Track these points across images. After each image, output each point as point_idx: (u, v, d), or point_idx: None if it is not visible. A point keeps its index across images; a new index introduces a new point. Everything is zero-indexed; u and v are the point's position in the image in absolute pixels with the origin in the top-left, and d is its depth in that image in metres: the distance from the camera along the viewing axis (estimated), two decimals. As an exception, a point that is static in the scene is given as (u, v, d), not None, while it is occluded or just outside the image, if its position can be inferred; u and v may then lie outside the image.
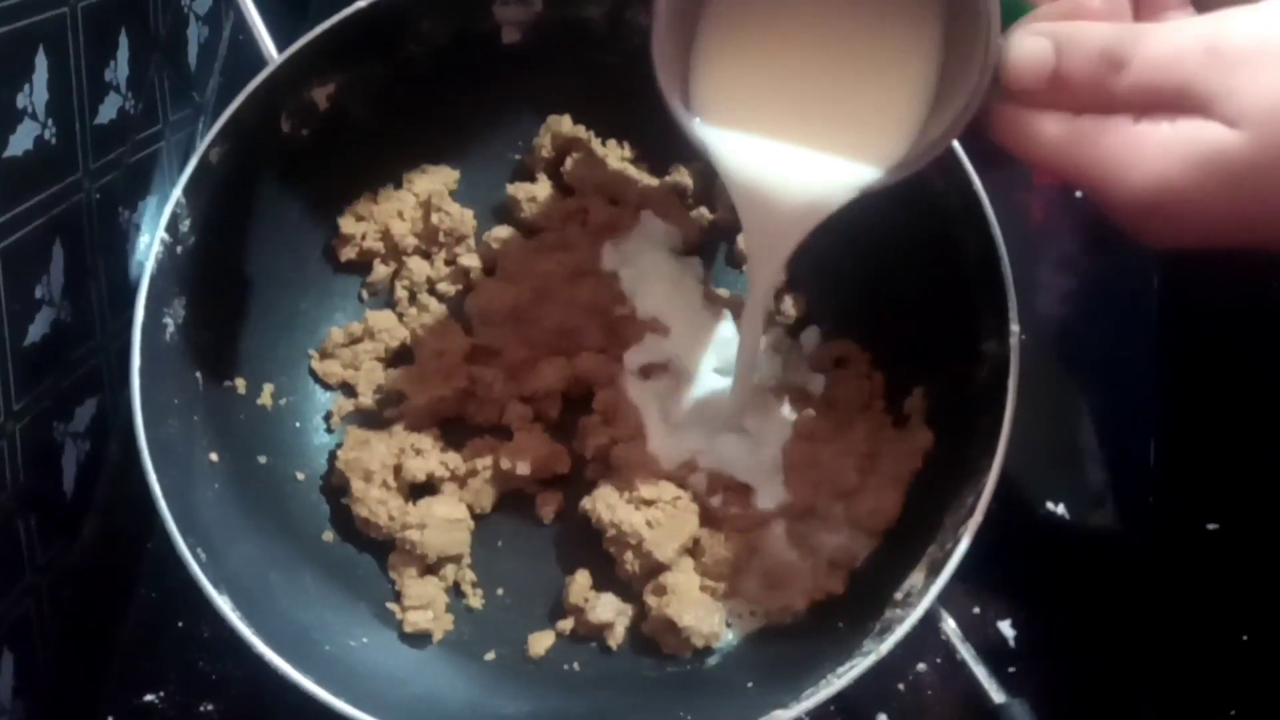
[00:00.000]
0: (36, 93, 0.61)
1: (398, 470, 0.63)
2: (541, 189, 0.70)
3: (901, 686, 0.63)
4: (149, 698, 0.64)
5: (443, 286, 0.69)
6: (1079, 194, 0.71)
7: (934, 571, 0.54)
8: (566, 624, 0.63)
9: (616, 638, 0.63)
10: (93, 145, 0.67)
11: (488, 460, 0.64)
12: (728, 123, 0.51)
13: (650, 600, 0.62)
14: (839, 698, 0.53)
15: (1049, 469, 0.66)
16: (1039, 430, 0.66)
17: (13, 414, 0.62)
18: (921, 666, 0.63)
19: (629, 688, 0.61)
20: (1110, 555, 0.65)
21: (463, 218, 0.69)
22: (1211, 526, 0.70)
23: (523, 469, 0.63)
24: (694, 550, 0.63)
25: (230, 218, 0.62)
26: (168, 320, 0.59)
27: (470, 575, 0.65)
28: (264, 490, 0.63)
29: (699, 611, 0.60)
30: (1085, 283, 0.70)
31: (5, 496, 0.63)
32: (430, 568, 0.64)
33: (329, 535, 0.65)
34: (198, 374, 0.61)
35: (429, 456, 0.64)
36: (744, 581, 0.63)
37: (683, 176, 0.71)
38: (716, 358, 0.67)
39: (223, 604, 0.54)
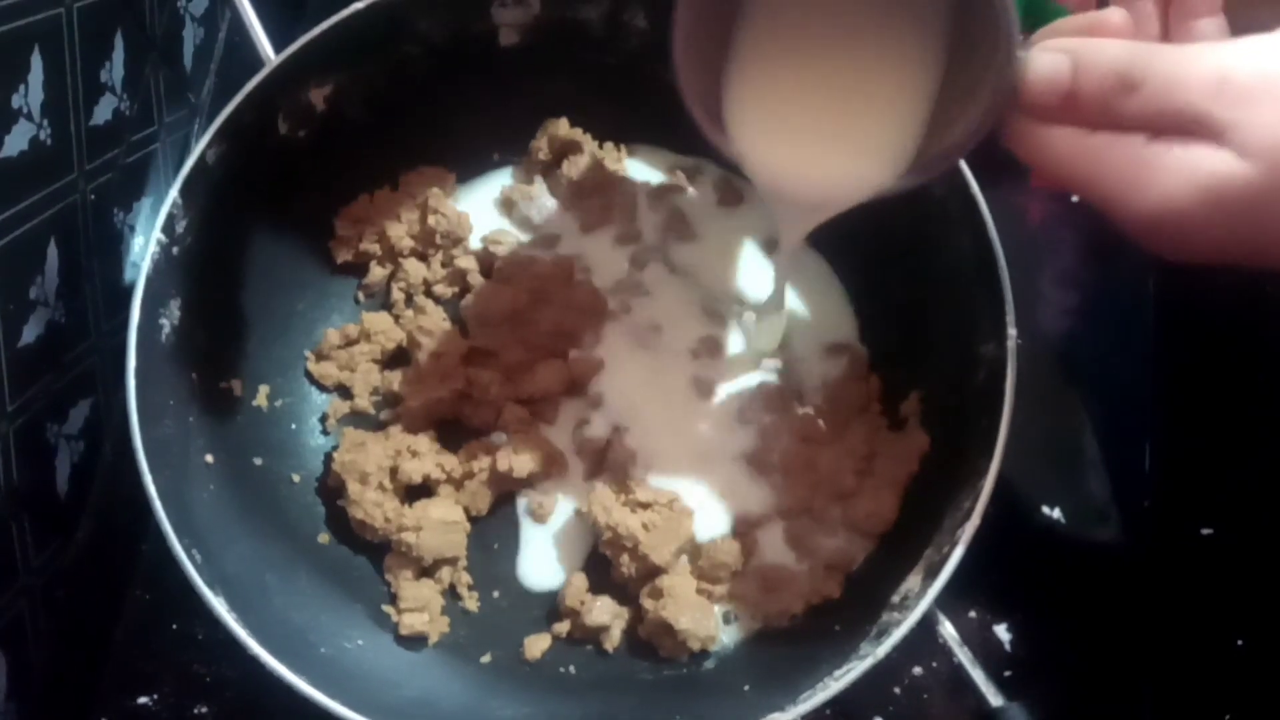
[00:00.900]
0: (31, 93, 0.61)
1: (394, 472, 0.63)
2: (539, 191, 0.70)
3: (898, 690, 0.63)
4: (143, 700, 0.64)
5: (439, 288, 0.69)
6: (1075, 199, 0.71)
7: (931, 575, 0.54)
8: (563, 627, 0.63)
9: (613, 640, 0.62)
10: (88, 146, 0.67)
11: (484, 462, 0.64)
12: (755, 132, 0.52)
13: (647, 603, 0.61)
14: (836, 701, 0.53)
15: (1046, 474, 0.66)
16: (1036, 435, 0.66)
17: (6, 415, 0.62)
18: (918, 670, 0.63)
19: (625, 691, 0.61)
20: (1106, 560, 0.65)
21: (459, 220, 0.69)
22: (1206, 531, 0.70)
23: (519, 471, 0.63)
24: (691, 553, 0.63)
25: (226, 219, 0.62)
26: (163, 321, 0.59)
27: (466, 578, 0.64)
28: (259, 492, 0.63)
29: (695, 614, 0.60)
30: (1082, 288, 0.70)
31: (-1, 497, 0.63)
32: (426, 570, 0.64)
33: (324, 537, 0.65)
34: (193, 375, 0.61)
35: (425, 459, 0.64)
36: (741, 584, 0.63)
37: (679, 179, 0.71)
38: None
39: (218, 605, 0.53)
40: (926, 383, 0.64)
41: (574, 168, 0.70)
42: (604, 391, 0.66)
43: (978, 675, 0.55)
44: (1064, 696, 0.62)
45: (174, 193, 0.59)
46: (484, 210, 0.71)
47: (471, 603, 0.64)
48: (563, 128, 0.70)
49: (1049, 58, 0.44)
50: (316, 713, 0.52)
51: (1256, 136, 0.40)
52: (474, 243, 0.70)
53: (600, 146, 0.71)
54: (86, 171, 0.67)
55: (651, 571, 0.62)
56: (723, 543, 0.63)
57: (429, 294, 0.69)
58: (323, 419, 0.68)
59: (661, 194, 0.71)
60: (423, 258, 0.70)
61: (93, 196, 0.68)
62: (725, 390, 0.67)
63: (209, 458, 0.61)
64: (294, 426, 0.67)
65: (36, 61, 0.61)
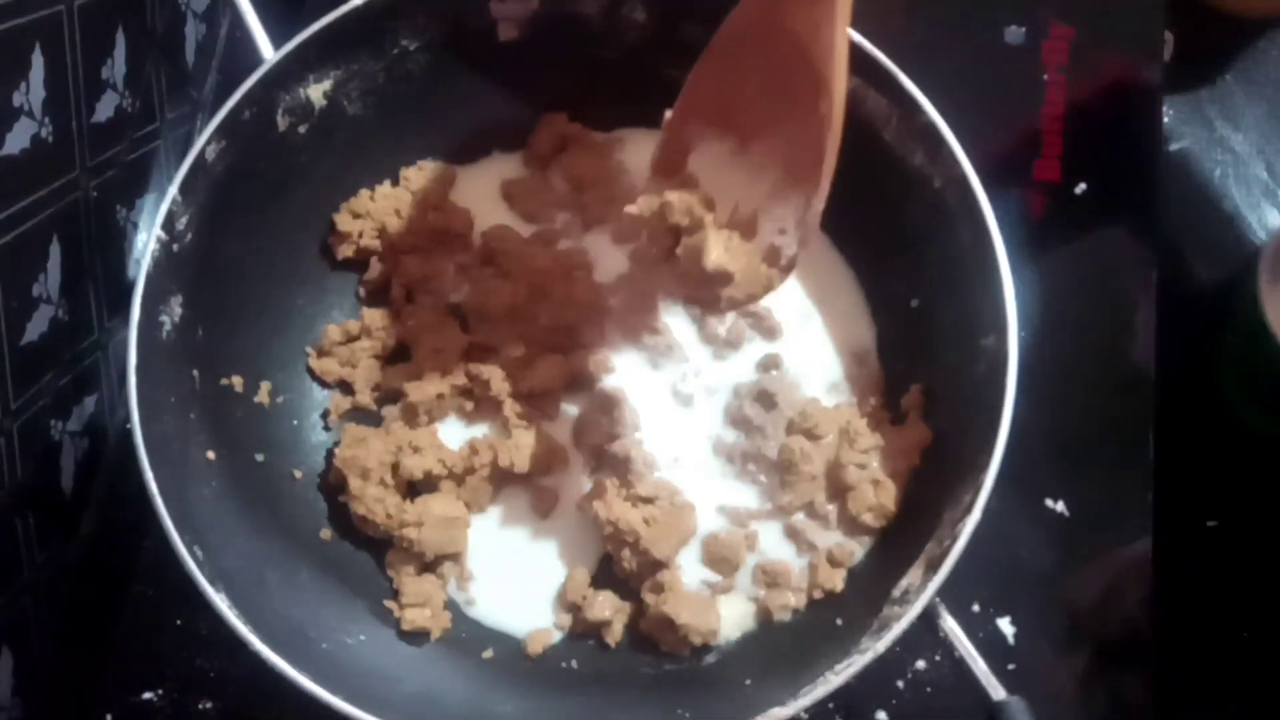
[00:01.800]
0: (33, 90, 0.61)
1: (395, 468, 0.63)
2: (538, 185, 0.70)
3: (901, 684, 0.63)
4: (147, 695, 0.64)
5: (440, 284, 0.69)
6: (1078, 190, 0.71)
7: (932, 569, 0.54)
8: (565, 620, 0.63)
9: (615, 635, 0.63)
10: (90, 143, 0.67)
11: (485, 458, 0.64)
12: None
13: (648, 598, 0.61)
14: (839, 695, 0.53)
15: (1048, 466, 0.66)
16: (1039, 428, 0.66)
17: (10, 412, 0.62)
18: (921, 664, 0.63)
19: (627, 685, 0.61)
20: (1109, 552, 0.65)
21: (460, 216, 0.69)
22: (1211, 523, 0.70)
23: (520, 466, 0.63)
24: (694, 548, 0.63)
25: (226, 216, 0.62)
26: (164, 318, 0.59)
27: (469, 573, 0.64)
28: (261, 488, 0.63)
29: (696, 609, 0.60)
30: (1085, 279, 0.70)
31: (3, 494, 0.63)
32: (428, 565, 0.64)
33: (326, 533, 0.65)
34: (194, 372, 0.61)
35: (426, 454, 0.64)
36: (742, 579, 0.63)
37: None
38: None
39: (219, 601, 0.54)
40: (927, 376, 0.63)
41: (574, 163, 0.69)
42: (605, 386, 0.66)
43: (980, 668, 0.55)
44: (1067, 689, 0.62)
45: (173, 190, 0.59)
46: (484, 204, 0.71)
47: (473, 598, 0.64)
48: (561, 122, 0.70)
49: None
50: (319, 708, 0.52)
51: None
52: (474, 238, 0.70)
53: (600, 140, 0.71)
54: (89, 168, 0.67)
55: (653, 566, 0.62)
56: (725, 537, 0.63)
57: (429, 290, 0.69)
58: (324, 415, 0.68)
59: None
60: (423, 253, 0.70)
61: (95, 194, 0.68)
62: (725, 386, 0.66)
63: (210, 454, 0.61)
64: (295, 423, 0.67)
65: (37, 59, 0.61)
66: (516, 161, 0.72)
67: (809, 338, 0.68)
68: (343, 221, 0.68)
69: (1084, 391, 0.68)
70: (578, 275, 0.67)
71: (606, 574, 0.64)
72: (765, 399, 0.65)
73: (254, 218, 0.64)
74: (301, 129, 0.64)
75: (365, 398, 0.67)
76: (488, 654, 0.63)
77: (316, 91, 0.64)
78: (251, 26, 0.63)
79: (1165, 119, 0.75)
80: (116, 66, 0.69)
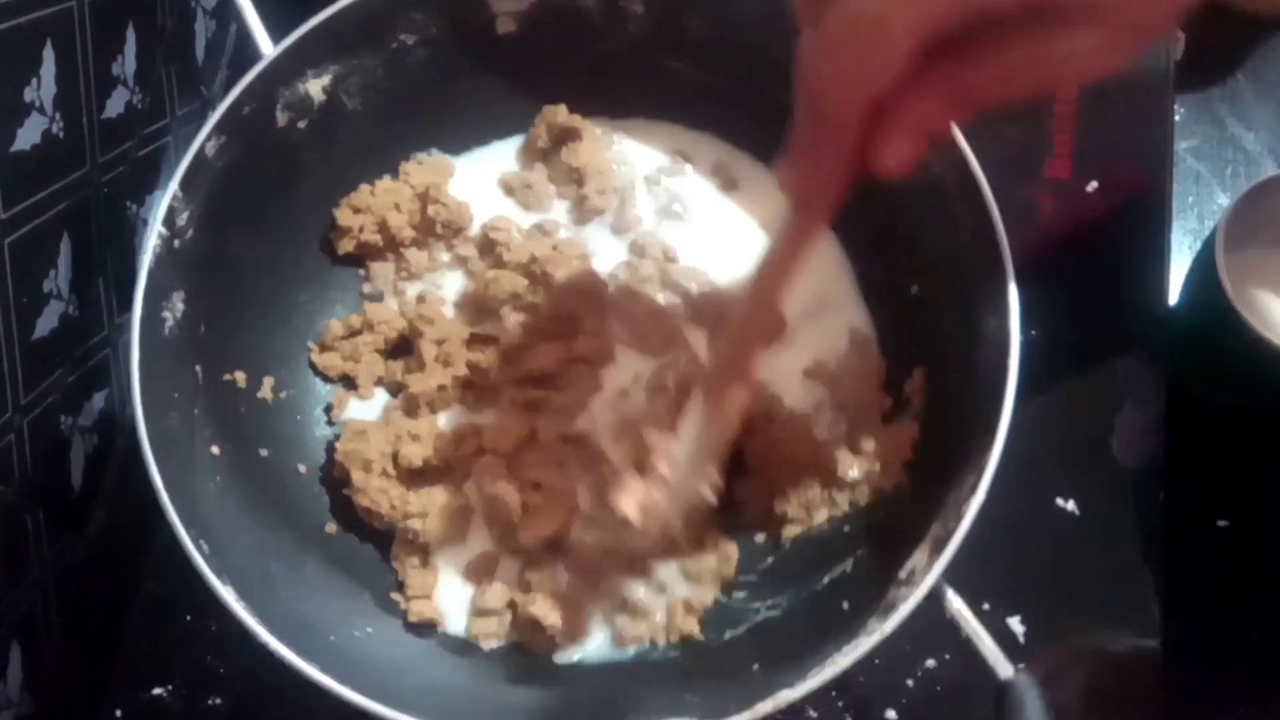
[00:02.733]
0: (44, 87, 0.61)
1: (395, 458, 0.63)
2: (538, 177, 0.70)
3: (910, 682, 0.63)
4: (156, 691, 0.64)
5: (441, 276, 0.69)
6: (1089, 189, 0.71)
7: (937, 550, 0.53)
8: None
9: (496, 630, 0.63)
10: (100, 139, 0.67)
11: (472, 444, 0.64)
12: None
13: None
14: (848, 695, 0.53)
15: (1059, 465, 0.66)
16: (1049, 427, 0.66)
17: (21, 408, 0.62)
18: (930, 662, 0.63)
19: (634, 673, 0.61)
20: (1120, 552, 0.65)
21: (460, 209, 0.69)
22: (1222, 523, 0.69)
23: (504, 448, 0.63)
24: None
25: (227, 211, 0.62)
26: (166, 314, 0.59)
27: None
28: (266, 483, 0.63)
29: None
30: (1095, 277, 0.69)
31: (13, 490, 0.63)
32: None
33: (331, 527, 0.65)
34: (197, 368, 0.61)
35: (425, 443, 0.64)
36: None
37: (678, 163, 0.71)
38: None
39: (227, 595, 0.53)
40: (930, 360, 0.63)
41: (574, 155, 0.70)
42: (603, 375, 0.66)
43: (988, 647, 0.55)
44: (1077, 688, 0.62)
45: (174, 186, 0.58)
46: (483, 195, 0.71)
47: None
48: (561, 114, 0.70)
49: None
50: (327, 701, 0.52)
51: None
52: (474, 229, 0.70)
53: (600, 132, 0.71)
54: (99, 164, 0.68)
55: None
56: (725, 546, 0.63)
57: (431, 283, 0.69)
58: (328, 409, 0.68)
59: (659, 178, 0.71)
60: (424, 247, 0.70)
61: (105, 190, 0.69)
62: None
63: (215, 449, 0.61)
64: (299, 418, 0.67)
65: (48, 55, 0.61)
66: (515, 152, 0.72)
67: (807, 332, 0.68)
68: (343, 216, 0.68)
69: (1095, 390, 0.68)
70: (577, 264, 0.67)
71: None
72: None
73: (255, 213, 0.64)
74: (301, 124, 0.64)
75: (368, 392, 0.67)
76: (494, 644, 0.63)
77: (316, 87, 0.64)
78: (250, 22, 0.62)
79: (1176, 117, 0.74)
80: (127, 63, 0.69)
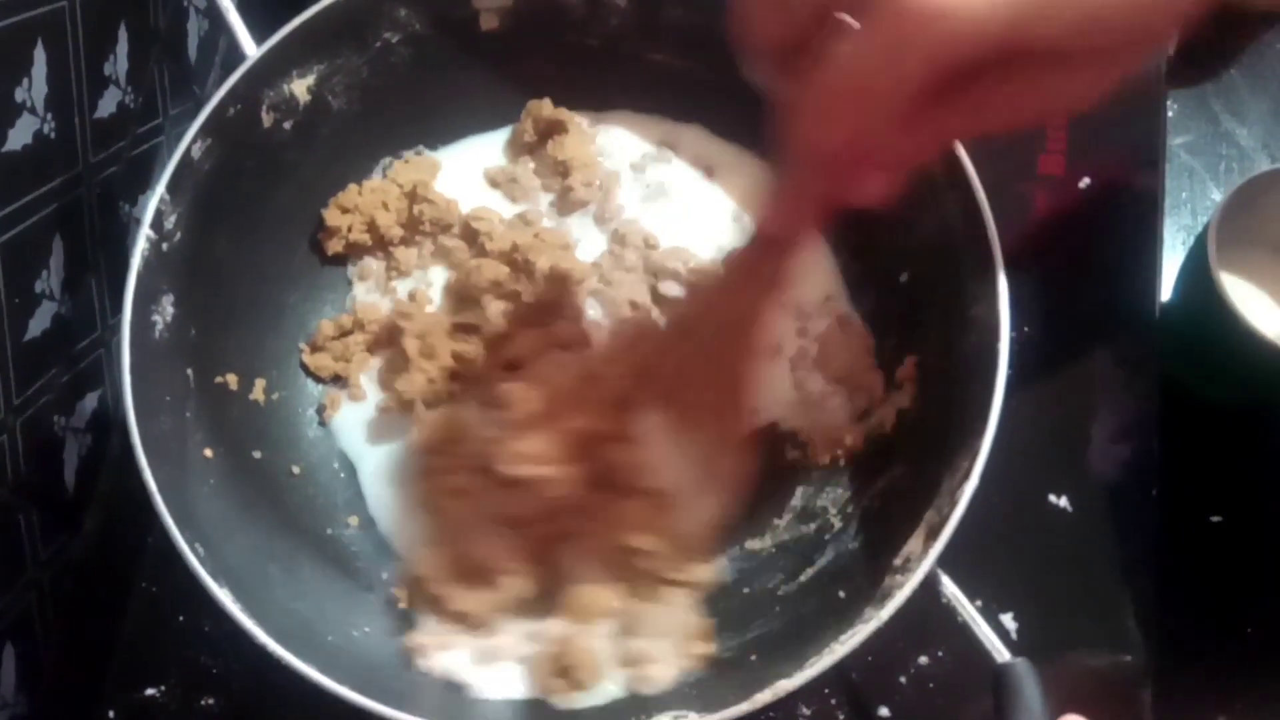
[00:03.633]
0: (35, 86, 0.61)
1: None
2: (523, 170, 0.71)
3: (904, 679, 0.63)
4: (150, 692, 0.64)
5: (430, 274, 0.69)
6: (1082, 185, 0.71)
7: (932, 536, 0.54)
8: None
9: None
10: (92, 139, 0.67)
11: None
12: None
13: None
14: (842, 692, 0.53)
15: (1052, 461, 0.66)
16: (1042, 423, 0.66)
17: (13, 408, 0.62)
18: (923, 659, 0.63)
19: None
20: (1113, 548, 0.65)
21: (448, 206, 0.69)
22: (1215, 519, 0.69)
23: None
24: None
25: (215, 214, 0.62)
26: (156, 318, 0.59)
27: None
28: (260, 485, 0.63)
29: None
30: (1088, 272, 0.69)
31: (6, 491, 0.63)
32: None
33: (328, 528, 0.65)
34: (189, 371, 0.61)
35: None
36: None
37: (661, 152, 0.71)
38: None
39: (223, 597, 0.53)
40: (922, 347, 0.63)
41: (559, 148, 0.70)
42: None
43: (984, 633, 0.55)
44: (1070, 685, 0.62)
45: (161, 189, 0.58)
46: (469, 188, 0.71)
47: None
48: (546, 108, 0.70)
49: None
50: (325, 702, 0.52)
51: None
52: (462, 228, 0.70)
53: (585, 125, 0.71)
54: (91, 165, 0.67)
55: None
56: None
57: (421, 280, 0.69)
58: (320, 410, 0.67)
59: (644, 166, 0.71)
60: (413, 245, 0.70)
61: (98, 190, 0.69)
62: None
63: (208, 452, 0.61)
64: (292, 419, 0.67)
65: (40, 55, 0.61)
66: (500, 146, 0.72)
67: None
68: (331, 217, 0.68)
69: (1088, 387, 0.68)
70: (559, 253, 0.67)
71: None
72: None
73: (243, 215, 0.64)
74: (287, 125, 0.64)
75: (360, 392, 0.67)
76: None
77: (300, 87, 0.64)
78: (233, 24, 0.63)
79: (1169, 113, 0.74)
80: (119, 62, 0.69)
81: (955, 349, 0.59)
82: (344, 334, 0.68)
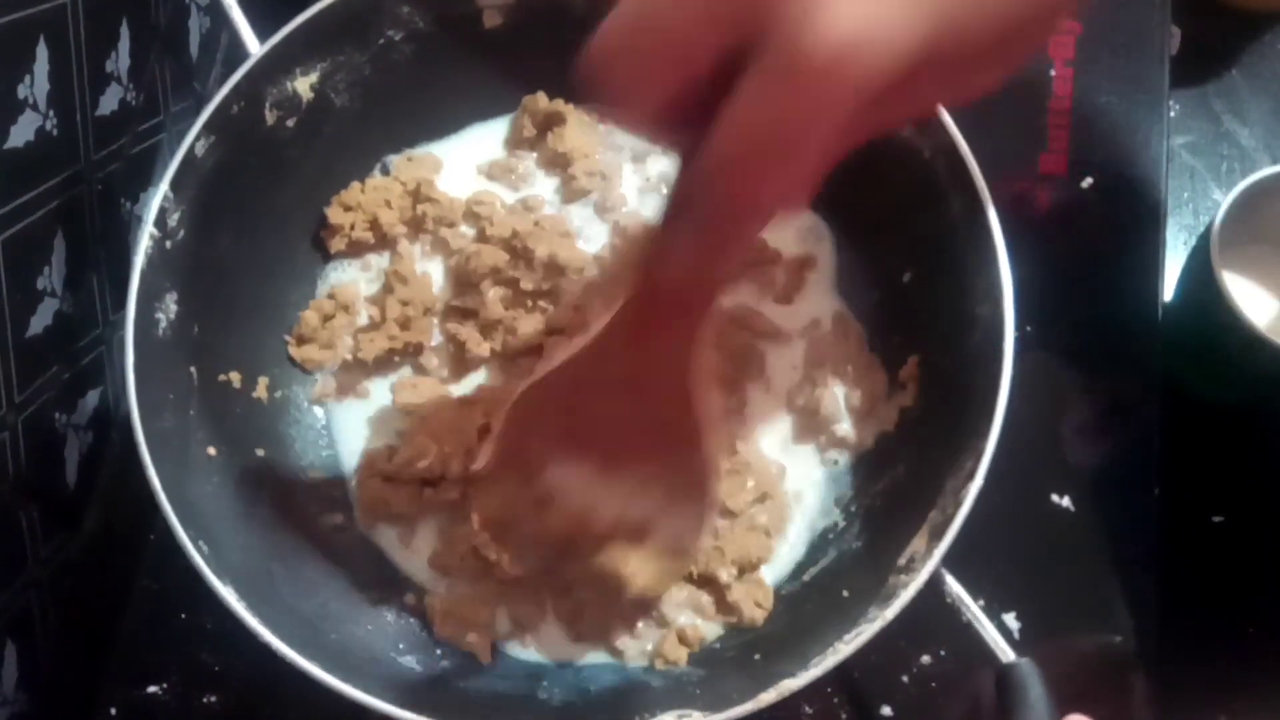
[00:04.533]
0: (37, 83, 0.61)
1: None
2: (523, 163, 0.71)
3: (906, 679, 0.63)
4: (151, 689, 0.64)
5: (430, 264, 0.70)
6: (1084, 185, 0.71)
7: (936, 536, 0.54)
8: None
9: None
10: (94, 136, 0.67)
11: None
12: None
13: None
14: (844, 691, 0.53)
15: (1053, 461, 0.66)
16: (1044, 422, 0.66)
17: (15, 405, 0.62)
18: (926, 659, 0.63)
19: (640, 667, 0.62)
20: (1115, 548, 0.65)
21: (451, 205, 0.69)
22: (1217, 519, 0.69)
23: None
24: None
25: (218, 212, 0.62)
26: (159, 316, 0.59)
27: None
28: (263, 482, 0.63)
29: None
30: (1090, 273, 0.69)
31: (7, 488, 0.63)
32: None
33: (330, 525, 0.65)
34: (192, 369, 0.61)
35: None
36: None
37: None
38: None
39: (228, 596, 0.53)
40: (924, 347, 0.64)
41: (559, 140, 0.69)
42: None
43: (989, 633, 0.55)
44: (1072, 684, 0.62)
45: (164, 186, 0.58)
46: (470, 180, 0.71)
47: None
48: (542, 102, 0.70)
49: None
50: (323, 699, 0.52)
51: None
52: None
53: (584, 116, 0.71)
54: (93, 162, 0.67)
55: None
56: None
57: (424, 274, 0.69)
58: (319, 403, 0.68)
59: (645, 157, 0.71)
60: (416, 242, 0.70)
61: (99, 187, 0.68)
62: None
63: (211, 450, 0.60)
64: (294, 417, 0.67)
65: (42, 52, 0.61)
66: (500, 138, 0.72)
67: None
68: (334, 215, 0.68)
69: (1090, 386, 0.68)
70: (559, 240, 0.67)
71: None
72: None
73: (246, 213, 0.64)
74: (290, 122, 0.64)
75: (364, 390, 0.67)
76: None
77: (303, 84, 0.64)
78: (237, 21, 0.62)
79: (1171, 114, 0.74)
80: (120, 59, 0.69)
81: (959, 348, 0.59)
82: (327, 318, 0.68)
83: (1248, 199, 0.64)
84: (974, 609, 0.56)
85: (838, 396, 0.65)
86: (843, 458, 0.65)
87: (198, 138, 0.59)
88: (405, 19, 0.65)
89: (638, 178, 0.71)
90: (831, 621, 0.56)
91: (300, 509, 0.64)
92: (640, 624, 0.62)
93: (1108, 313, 0.69)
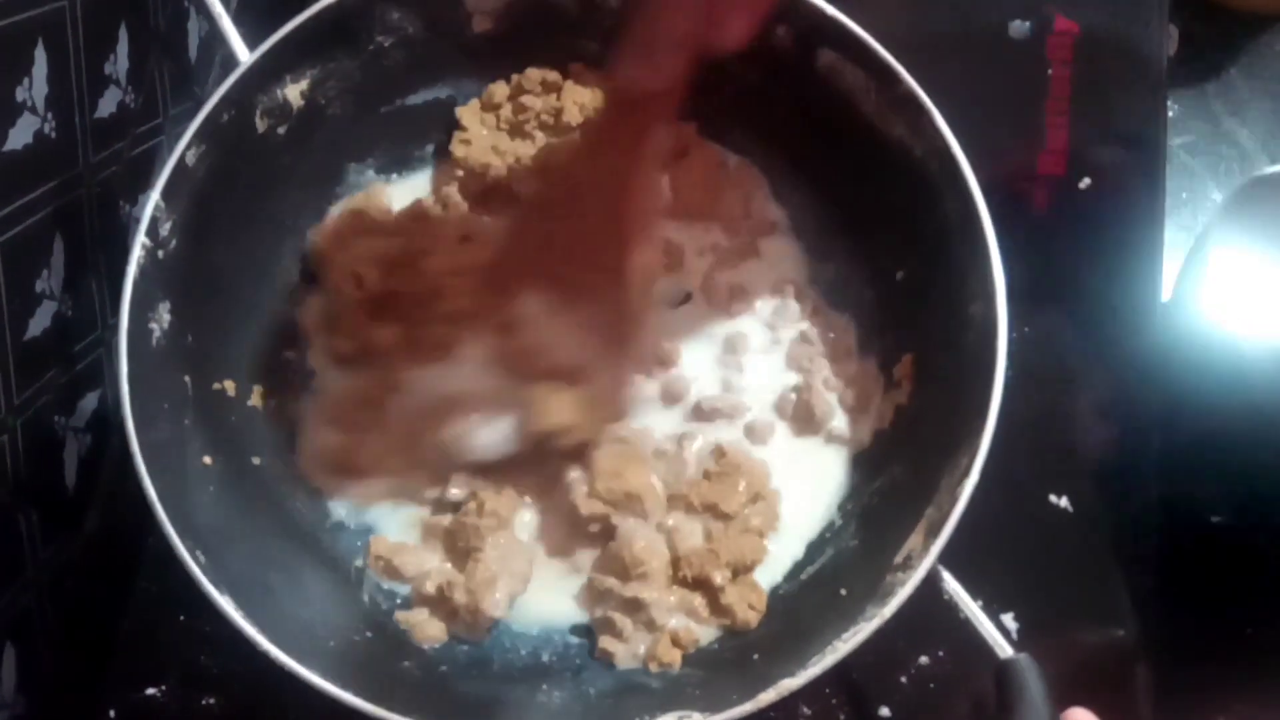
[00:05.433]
0: (36, 86, 0.61)
1: None
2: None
3: (904, 679, 0.63)
4: (150, 692, 0.64)
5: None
6: (1082, 185, 0.71)
7: (932, 533, 0.54)
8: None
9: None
10: (93, 139, 0.67)
11: None
12: None
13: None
14: (842, 692, 0.53)
15: (1052, 462, 0.66)
16: (1042, 423, 0.66)
17: (14, 408, 0.62)
18: (924, 659, 0.63)
19: (639, 669, 0.62)
20: (1114, 548, 0.65)
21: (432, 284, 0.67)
22: (1215, 519, 0.69)
23: None
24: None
25: (211, 220, 0.62)
26: (153, 325, 0.59)
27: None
28: (260, 491, 0.63)
29: None
30: (1088, 273, 0.69)
31: (6, 491, 0.63)
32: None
33: (327, 533, 0.64)
34: (186, 378, 0.61)
35: None
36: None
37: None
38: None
39: (225, 604, 0.54)
40: (918, 346, 0.64)
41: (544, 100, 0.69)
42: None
43: (986, 629, 0.55)
44: (1070, 685, 0.62)
45: (156, 195, 0.58)
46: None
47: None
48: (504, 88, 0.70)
49: None
50: (322, 703, 0.53)
51: None
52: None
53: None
54: (91, 165, 0.67)
55: None
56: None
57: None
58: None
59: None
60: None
61: (98, 189, 0.68)
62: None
63: (207, 459, 0.61)
64: (290, 425, 0.67)
65: (40, 55, 0.61)
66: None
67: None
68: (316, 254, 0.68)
69: (1089, 387, 0.68)
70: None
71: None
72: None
73: (238, 220, 0.64)
74: (281, 130, 0.64)
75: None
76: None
77: (294, 91, 0.64)
78: (225, 29, 0.62)
79: (1170, 114, 0.74)
80: (119, 62, 0.69)
81: (953, 346, 0.60)
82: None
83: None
84: (971, 605, 0.56)
85: (832, 395, 0.65)
86: (839, 456, 0.65)
87: (189, 146, 0.59)
88: (395, 24, 0.65)
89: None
90: (829, 620, 0.56)
91: (297, 516, 0.64)
92: (630, 624, 0.62)
93: (1106, 313, 0.69)
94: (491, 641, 0.63)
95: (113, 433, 0.72)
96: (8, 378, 0.61)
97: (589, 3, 0.66)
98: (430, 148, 0.71)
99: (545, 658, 0.63)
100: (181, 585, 0.54)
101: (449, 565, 0.63)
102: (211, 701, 0.64)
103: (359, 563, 0.64)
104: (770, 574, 0.64)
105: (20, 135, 0.60)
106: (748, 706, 0.53)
